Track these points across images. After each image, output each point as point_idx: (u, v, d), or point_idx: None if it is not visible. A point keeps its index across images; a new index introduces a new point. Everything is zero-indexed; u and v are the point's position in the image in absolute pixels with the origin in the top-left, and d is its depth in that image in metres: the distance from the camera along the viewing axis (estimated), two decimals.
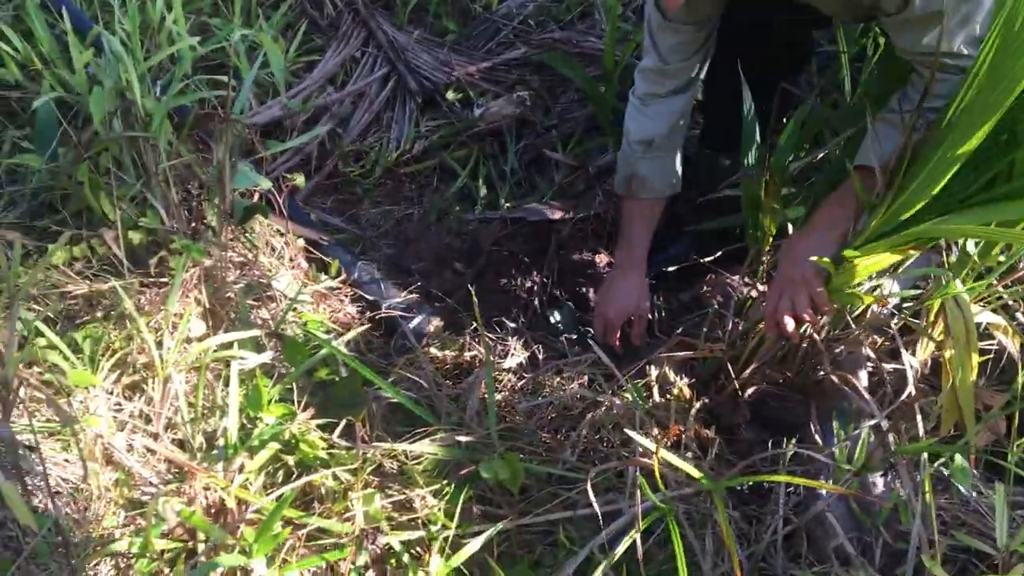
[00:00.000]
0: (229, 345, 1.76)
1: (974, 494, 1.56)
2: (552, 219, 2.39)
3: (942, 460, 1.60)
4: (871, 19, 1.81)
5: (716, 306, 2.10)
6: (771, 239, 2.01)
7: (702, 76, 1.97)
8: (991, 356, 1.76)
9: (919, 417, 1.60)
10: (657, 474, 1.45)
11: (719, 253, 2.18)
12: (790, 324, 1.67)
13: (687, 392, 1.83)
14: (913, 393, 1.62)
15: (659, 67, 1.93)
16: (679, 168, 2.09)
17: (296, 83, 2.75)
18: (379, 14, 3.08)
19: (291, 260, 2.11)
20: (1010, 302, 1.78)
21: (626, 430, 1.57)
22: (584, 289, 2.33)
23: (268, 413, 1.67)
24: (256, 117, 2.52)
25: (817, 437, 1.71)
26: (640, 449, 1.57)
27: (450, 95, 2.85)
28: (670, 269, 2.31)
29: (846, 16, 1.82)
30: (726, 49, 1.96)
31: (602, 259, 2.39)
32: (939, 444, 1.61)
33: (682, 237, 2.33)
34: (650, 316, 2.17)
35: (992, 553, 1.40)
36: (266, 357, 1.79)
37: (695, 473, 1.47)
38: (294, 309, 1.97)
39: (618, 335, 2.11)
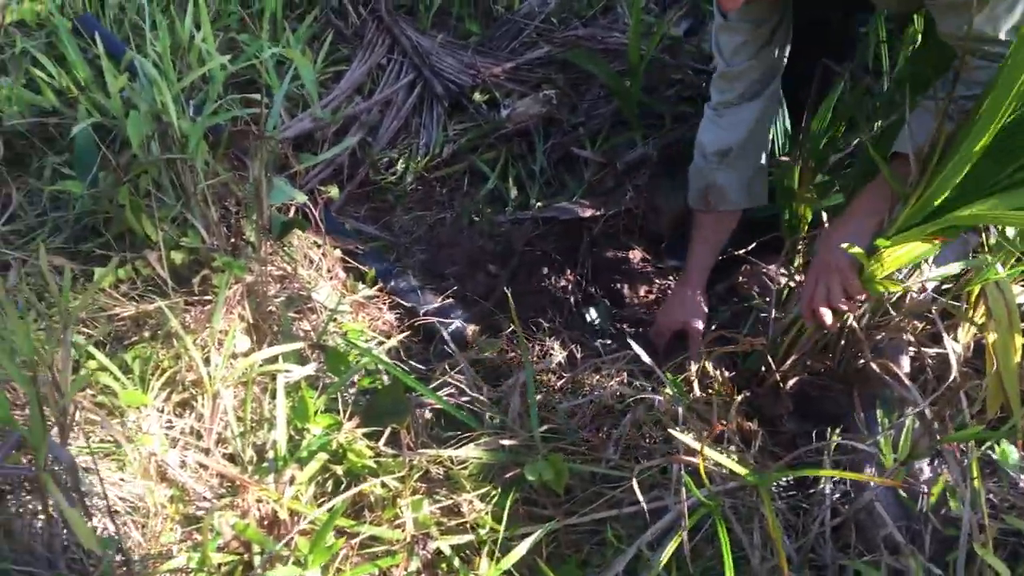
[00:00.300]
0: (274, 359, 1.79)
1: (1023, 476, 1.55)
2: (583, 217, 2.40)
3: (989, 444, 1.59)
4: (920, 6, 1.79)
5: (756, 297, 2.10)
6: (806, 227, 2.01)
7: (776, 81, 1.95)
8: None
9: (964, 402, 1.60)
10: (702, 471, 1.46)
11: (753, 244, 2.17)
12: (826, 314, 1.66)
13: (728, 386, 1.84)
14: (957, 378, 1.61)
15: (725, 71, 1.92)
16: (759, 178, 2.05)
17: (325, 94, 2.78)
18: (402, 20, 3.10)
19: (329, 271, 2.14)
20: None
21: (669, 430, 1.58)
22: (618, 286, 2.34)
23: (315, 424, 1.70)
24: (287, 131, 2.56)
25: (860, 426, 1.71)
26: (683, 446, 1.58)
27: (476, 97, 2.87)
28: None
29: (898, 6, 1.80)
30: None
31: (635, 255, 2.40)
32: (985, 428, 1.60)
33: None
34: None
35: None
36: (310, 369, 1.82)
37: (740, 470, 1.48)
38: (334, 320, 2.00)
39: (665, 344, 2.12)
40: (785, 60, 1.92)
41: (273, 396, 1.78)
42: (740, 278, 2.25)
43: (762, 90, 1.92)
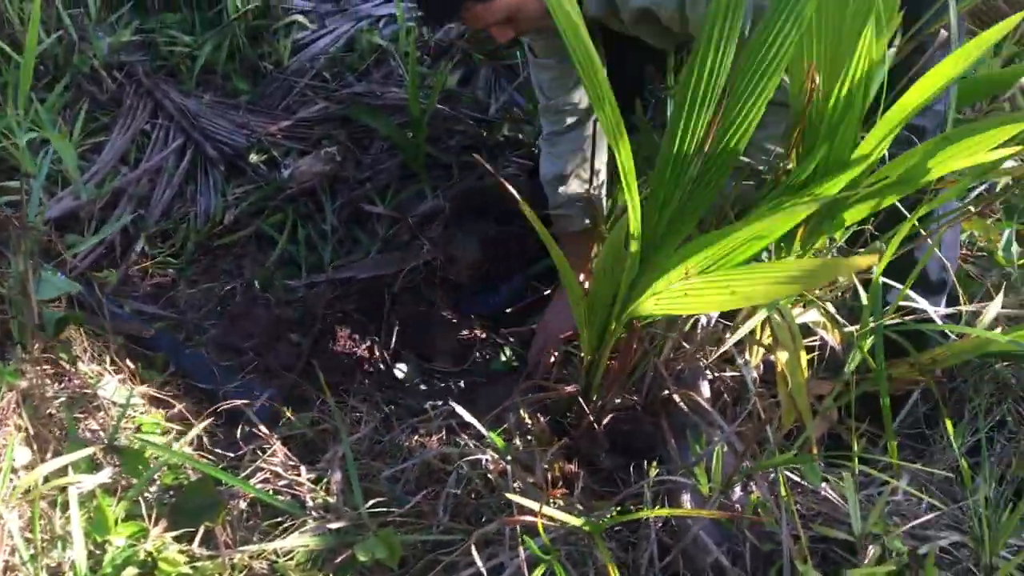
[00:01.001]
0: (63, 469, 1.63)
1: (823, 484, 1.67)
2: (382, 274, 2.37)
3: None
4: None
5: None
6: None
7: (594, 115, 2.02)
8: (816, 348, 1.89)
9: (762, 416, 1.70)
10: (540, 529, 1.46)
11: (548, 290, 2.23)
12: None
13: (546, 433, 1.86)
14: (755, 400, 1.72)
15: (547, 104, 1.99)
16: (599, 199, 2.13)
17: (86, 167, 2.58)
18: (164, 82, 2.95)
19: (113, 362, 1.98)
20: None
21: (507, 495, 1.58)
22: (426, 340, 2.32)
23: (117, 534, 1.56)
24: (49, 212, 2.34)
25: (674, 455, 1.78)
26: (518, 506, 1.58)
27: (253, 158, 2.77)
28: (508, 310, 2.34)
29: (671, 46, 1.91)
30: None
31: (439, 307, 2.39)
32: (784, 441, 1.72)
33: (514, 276, 2.36)
34: None
35: (850, 539, 1.50)
36: (105, 475, 1.66)
37: (576, 521, 1.50)
38: (126, 415, 1.84)
39: (554, 355, 2.13)
40: None
41: (65, 509, 1.61)
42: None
43: (587, 117, 1.99)
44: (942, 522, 1.67)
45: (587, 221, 2.13)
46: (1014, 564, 1.49)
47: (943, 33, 1.73)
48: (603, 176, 2.11)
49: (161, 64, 3.07)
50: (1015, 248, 2.21)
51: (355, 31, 3.17)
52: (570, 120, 2.00)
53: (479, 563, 1.49)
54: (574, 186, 2.07)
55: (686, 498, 1.72)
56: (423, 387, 2.22)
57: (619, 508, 1.70)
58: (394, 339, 2.32)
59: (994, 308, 1.83)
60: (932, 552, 1.45)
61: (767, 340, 1.81)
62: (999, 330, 1.83)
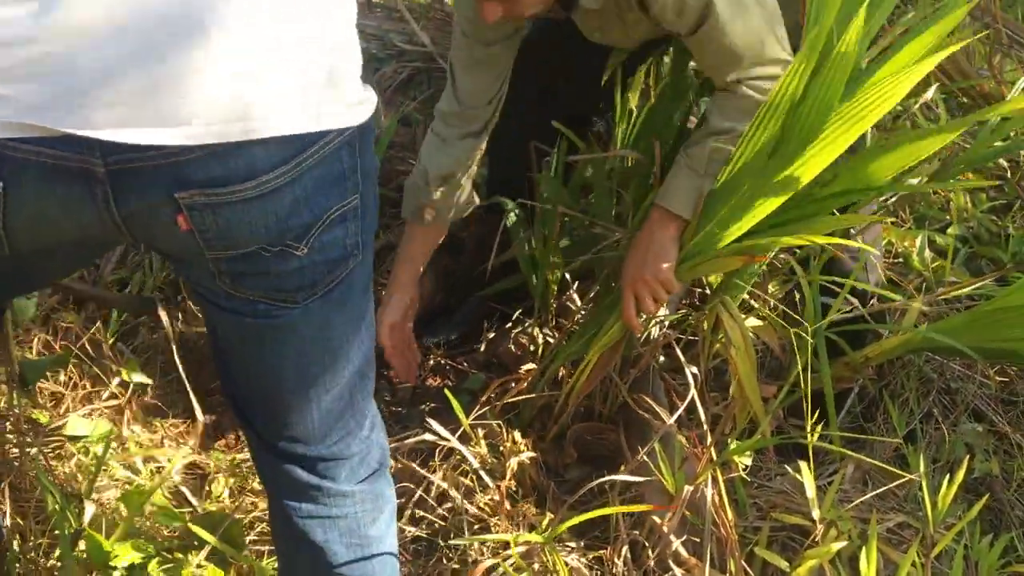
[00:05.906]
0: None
1: (778, 478, 1.80)
2: None
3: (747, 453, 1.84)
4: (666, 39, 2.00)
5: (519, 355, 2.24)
6: (555, 290, 2.19)
7: (495, 119, 2.07)
8: (758, 353, 2.04)
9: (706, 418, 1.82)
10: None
11: (519, 311, 2.32)
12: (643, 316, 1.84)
13: (518, 443, 1.94)
14: (707, 400, 1.84)
15: (456, 111, 2.01)
16: (469, 198, 2.18)
17: None
18: None
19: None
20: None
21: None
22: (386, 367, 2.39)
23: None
24: None
25: (636, 459, 1.88)
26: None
27: None
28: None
29: (640, 46, 1.99)
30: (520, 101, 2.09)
31: None
32: (737, 440, 1.84)
33: (469, 301, 2.43)
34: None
35: (807, 524, 1.63)
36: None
37: (536, 538, 1.61)
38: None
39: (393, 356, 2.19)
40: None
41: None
42: (502, 344, 2.35)
43: (485, 131, 2.05)
44: (887, 505, 1.83)
45: (457, 214, 2.16)
46: (951, 537, 1.63)
47: None
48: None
49: None
50: (928, 253, 2.41)
51: None
52: (468, 129, 2.03)
53: None
54: (459, 182, 2.08)
55: (652, 499, 1.82)
56: (388, 412, 2.28)
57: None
58: None
59: (916, 307, 2.00)
60: (875, 530, 1.56)
61: (718, 344, 1.93)
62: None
